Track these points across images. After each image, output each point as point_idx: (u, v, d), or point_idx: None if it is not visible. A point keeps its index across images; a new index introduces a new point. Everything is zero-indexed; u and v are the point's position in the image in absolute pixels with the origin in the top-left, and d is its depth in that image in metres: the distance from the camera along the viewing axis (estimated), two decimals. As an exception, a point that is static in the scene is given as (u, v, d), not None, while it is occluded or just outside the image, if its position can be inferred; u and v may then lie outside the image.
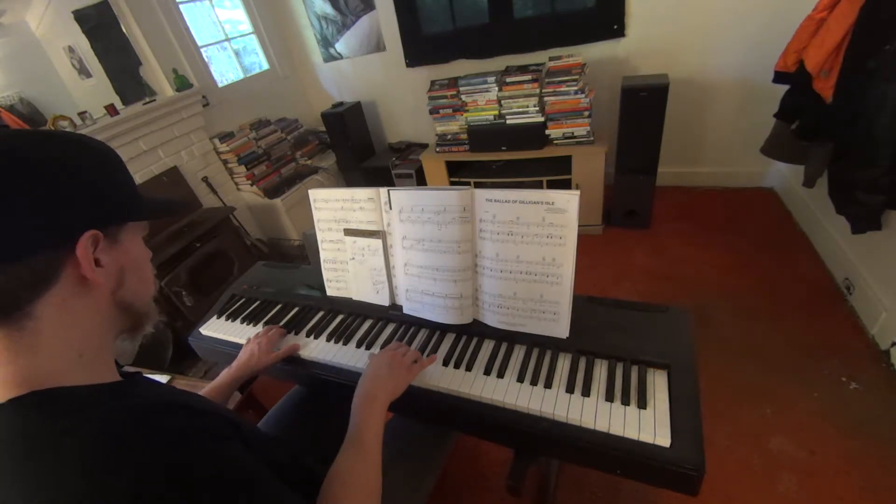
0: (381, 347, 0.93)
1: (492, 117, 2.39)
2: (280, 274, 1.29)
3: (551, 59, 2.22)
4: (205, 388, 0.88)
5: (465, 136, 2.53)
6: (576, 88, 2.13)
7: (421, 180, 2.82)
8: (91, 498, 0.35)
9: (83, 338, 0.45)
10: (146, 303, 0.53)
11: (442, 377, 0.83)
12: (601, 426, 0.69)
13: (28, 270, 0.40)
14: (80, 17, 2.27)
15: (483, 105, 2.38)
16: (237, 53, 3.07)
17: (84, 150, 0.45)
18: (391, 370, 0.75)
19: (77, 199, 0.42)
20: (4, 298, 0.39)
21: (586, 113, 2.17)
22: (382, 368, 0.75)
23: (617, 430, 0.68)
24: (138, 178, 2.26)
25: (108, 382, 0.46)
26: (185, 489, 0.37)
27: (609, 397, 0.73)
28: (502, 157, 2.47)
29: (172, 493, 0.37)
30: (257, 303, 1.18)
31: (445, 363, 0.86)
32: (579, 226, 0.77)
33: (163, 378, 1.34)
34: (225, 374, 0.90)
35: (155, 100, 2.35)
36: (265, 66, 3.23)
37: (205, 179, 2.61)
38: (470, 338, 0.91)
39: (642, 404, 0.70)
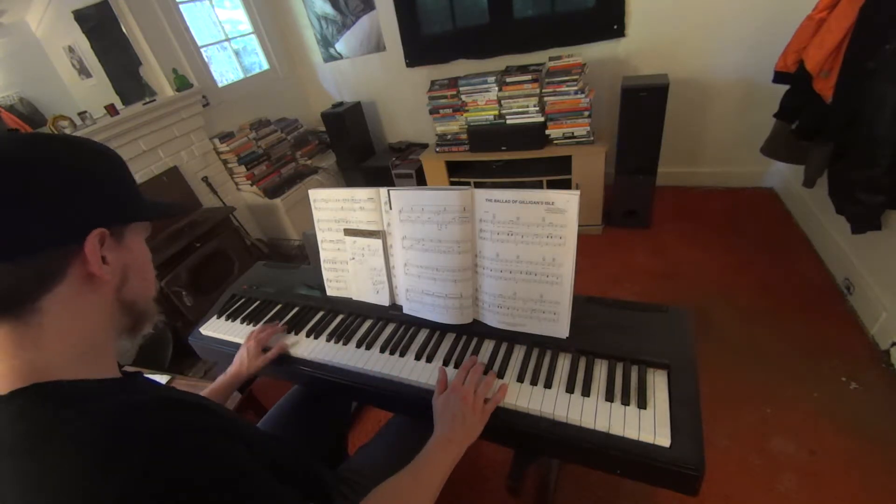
0: (381, 348, 0.93)
1: (492, 117, 2.39)
2: (280, 274, 1.29)
3: (551, 59, 2.22)
4: (202, 392, 0.89)
5: (465, 136, 2.53)
6: (576, 88, 2.13)
7: (421, 180, 2.82)
8: (88, 488, 0.36)
9: (86, 334, 0.46)
10: (148, 301, 0.54)
11: (442, 377, 0.83)
12: (601, 426, 0.69)
13: (38, 266, 0.41)
14: (80, 17, 2.27)
15: (483, 105, 2.38)
16: (237, 53, 3.07)
17: (93, 154, 0.48)
18: (464, 419, 0.72)
19: (86, 200, 0.44)
20: (14, 292, 0.41)
21: (586, 113, 2.17)
22: (457, 417, 0.72)
23: (617, 430, 0.68)
24: (138, 178, 2.26)
25: (110, 378, 0.47)
26: (182, 482, 0.38)
27: (609, 397, 0.73)
28: (502, 157, 2.47)
29: (169, 486, 0.38)
30: (257, 303, 1.18)
31: (446, 363, 0.86)
32: (579, 226, 0.77)
33: (163, 378, 1.34)
34: (220, 380, 0.93)
35: (155, 100, 2.35)
36: (265, 66, 3.23)
37: (205, 179, 2.61)
38: (470, 338, 0.91)
39: (642, 404, 0.70)
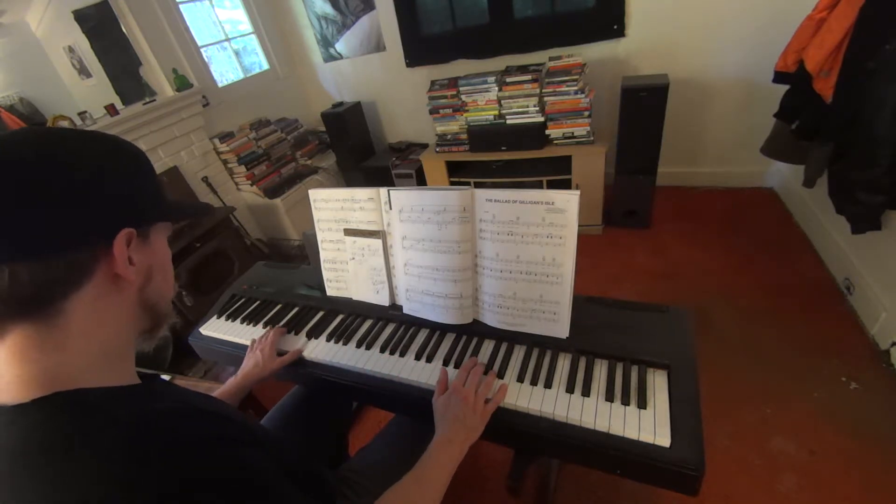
0: (381, 348, 0.93)
1: (492, 117, 2.39)
2: (280, 274, 1.29)
3: (551, 59, 2.22)
4: (213, 394, 0.88)
5: (465, 136, 2.53)
6: (576, 88, 2.13)
7: (421, 180, 2.82)
8: (110, 502, 0.35)
9: (109, 336, 0.45)
10: (167, 302, 0.54)
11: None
12: (601, 426, 0.69)
13: (66, 265, 0.40)
14: (80, 17, 2.27)
15: (483, 105, 2.38)
16: (237, 53, 3.07)
17: (120, 152, 0.47)
18: (465, 420, 0.72)
19: (115, 198, 0.44)
20: (41, 292, 0.40)
21: (586, 113, 2.17)
22: (458, 419, 0.72)
23: (617, 430, 0.68)
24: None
25: (131, 385, 0.46)
26: (203, 494, 0.38)
27: (609, 397, 0.73)
28: (502, 157, 2.47)
29: (191, 497, 0.37)
30: (257, 303, 1.18)
31: (446, 363, 0.86)
32: (579, 226, 0.77)
33: (163, 378, 1.34)
34: (231, 383, 0.90)
35: (155, 100, 2.35)
36: (265, 66, 3.23)
37: (205, 179, 2.61)
38: (470, 338, 0.91)
39: (642, 404, 0.70)
